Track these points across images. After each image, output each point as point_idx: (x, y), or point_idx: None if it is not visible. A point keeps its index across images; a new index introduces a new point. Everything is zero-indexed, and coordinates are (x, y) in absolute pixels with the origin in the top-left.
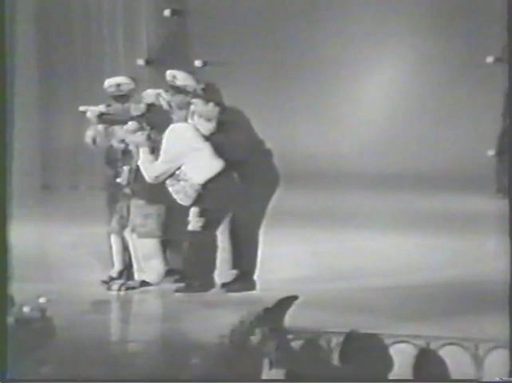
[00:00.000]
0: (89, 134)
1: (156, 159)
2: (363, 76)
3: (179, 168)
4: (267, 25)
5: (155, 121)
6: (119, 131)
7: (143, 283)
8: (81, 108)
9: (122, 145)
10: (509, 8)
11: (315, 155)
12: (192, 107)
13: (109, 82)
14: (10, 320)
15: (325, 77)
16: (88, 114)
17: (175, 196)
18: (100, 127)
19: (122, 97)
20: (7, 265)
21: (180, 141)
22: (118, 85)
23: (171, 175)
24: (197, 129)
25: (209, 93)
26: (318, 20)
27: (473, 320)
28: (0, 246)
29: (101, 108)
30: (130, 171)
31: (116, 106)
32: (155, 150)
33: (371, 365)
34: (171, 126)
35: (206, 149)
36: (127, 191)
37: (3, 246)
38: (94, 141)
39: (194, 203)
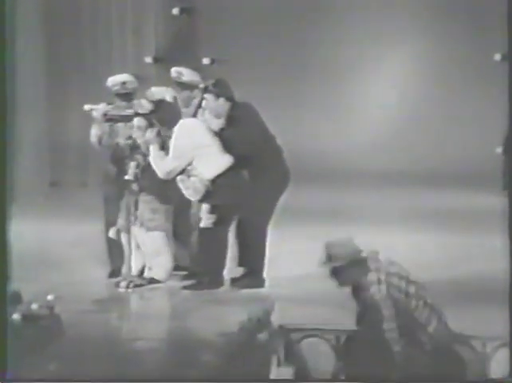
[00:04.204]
0: (95, 133)
1: (166, 154)
2: (372, 75)
3: (189, 164)
4: (275, 22)
5: (165, 117)
6: (122, 129)
7: (152, 280)
8: (86, 107)
9: (129, 142)
10: (509, 7)
11: (324, 152)
12: (204, 103)
13: (113, 80)
14: (17, 317)
15: (335, 75)
16: (94, 113)
17: (184, 191)
18: (106, 125)
19: (127, 95)
20: (7, 263)
21: (190, 137)
22: (123, 83)
23: (183, 171)
24: (206, 125)
25: (220, 89)
26: (328, 17)
27: (479, 318)
28: (3, 245)
29: (105, 106)
30: (137, 166)
31: (121, 104)
32: (164, 146)
33: (375, 363)
34: (181, 122)
35: (215, 145)
36: (134, 187)
37: (6, 243)
38: (100, 140)
39: (202, 199)
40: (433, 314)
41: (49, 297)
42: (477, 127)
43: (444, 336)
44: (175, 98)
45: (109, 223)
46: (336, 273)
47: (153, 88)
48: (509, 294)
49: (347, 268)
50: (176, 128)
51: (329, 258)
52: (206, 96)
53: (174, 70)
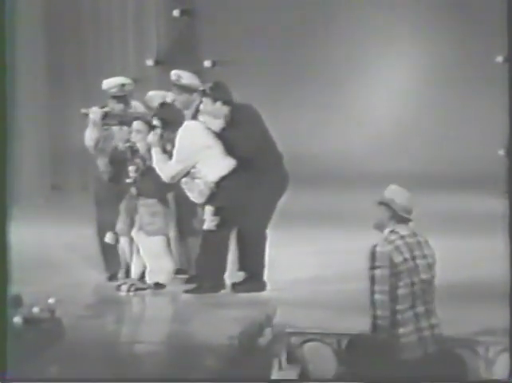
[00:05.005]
0: (92, 136)
1: (169, 158)
2: (372, 77)
3: (193, 166)
4: (276, 25)
5: (167, 120)
6: (118, 132)
7: (155, 285)
8: (83, 111)
9: (128, 145)
10: (509, 8)
11: (324, 154)
12: (201, 106)
13: (110, 82)
14: (18, 320)
15: (334, 78)
16: (92, 116)
17: (188, 194)
18: (102, 129)
19: (124, 98)
20: (7, 265)
21: (194, 139)
22: (122, 85)
23: (187, 174)
24: (209, 127)
25: (217, 92)
26: (327, 20)
27: (482, 322)
28: (3, 247)
29: (97, 109)
30: (137, 170)
31: (118, 106)
32: (167, 149)
33: (377, 367)
34: (184, 124)
35: (218, 147)
36: (133, 190)
37: (7, 246)
38: (97, 144)
39: (206, 202)
40: (422, 318)
41: (50, 300)
42: (479, 129)
43: (416, 345)
44: (173, 101)
45: (101, 228)
46: (382, 211)
47: (151, 92)
48: (509, 296)
49: (389, 214)
50: (180, 131)
51: (386, 198)
52: (203, 99)
53: (173, 73)
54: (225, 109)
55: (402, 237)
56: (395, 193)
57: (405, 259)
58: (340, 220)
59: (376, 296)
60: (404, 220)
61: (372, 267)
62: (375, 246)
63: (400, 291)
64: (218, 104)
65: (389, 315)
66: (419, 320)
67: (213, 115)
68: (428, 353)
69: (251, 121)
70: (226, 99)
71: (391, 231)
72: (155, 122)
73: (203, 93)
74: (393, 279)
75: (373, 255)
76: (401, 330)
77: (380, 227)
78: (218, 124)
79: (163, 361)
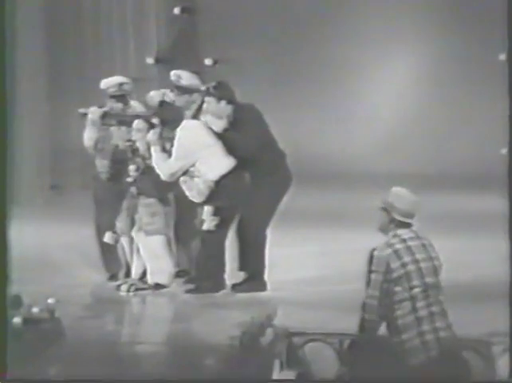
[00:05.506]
0: (91, 136)
1: (169, 156)
2: (374, 76)
3: (192, 165)
4: (277, 23)
5: (167, 119)
6: (117, 132)
7: (156, 285)
8: (81, 111)
9: (129, 144)
10: (509, 7)
11: (326, 154)
12: (205, 105)
13: (108, 82)
14: (18, 320)
15: (336, 77)
16: (90, 116)
17: (187, 193)
18: (102, 129)
19: (122, 97)
20: (7, 265)
21: (193, 138)
22: (121, 85)
23: (186, 172)
24: (209, 126)
25: (221, 92)
26: (329, 19)
27: (484, 322)
28: (3, 247)
29: (96, 109)
30: (137, 169)
31: (117, 106)
32: (166, 147)
33: (379, 368)
34: (183, 123)
35: (218, 146)
36: (133, 189)
37: (6, 246)
38: (96, 144)
39: (205, 201)
40: (424, 322)
41: (50, 300)
42: (481, 128)
43: (419, 350)
44: (173, 102)
45: (100, 227)
46: (382, 215)
47: (152, 92)
48: (510, 296)
49: (389, 218)
50: (179, 129)
51: (386, 202)
52: (207, 99)
53: (173, 73)
54: (228, 109)
55: (403, 240)
56: (395, 197)
57: (403, 264)
58: (342, 220)
59: (366, 300)
60: (405, 225)
61: (369, 271)
62: (374, 249)
63: (399, 296)
64: (223, 103)
65: (376, 319)
66: (422, 324)
67: (216, 114)
68: (431, 356)
69: (253, 121)
70: (229, 98)
71: (394, 235)
72: (155, 120)
73: (207, 92)
74: (389, 285)
75: (371, 259)
76: (404, 336)
77: (383, 230)
78: (220, 124)
79: (163, 361)
